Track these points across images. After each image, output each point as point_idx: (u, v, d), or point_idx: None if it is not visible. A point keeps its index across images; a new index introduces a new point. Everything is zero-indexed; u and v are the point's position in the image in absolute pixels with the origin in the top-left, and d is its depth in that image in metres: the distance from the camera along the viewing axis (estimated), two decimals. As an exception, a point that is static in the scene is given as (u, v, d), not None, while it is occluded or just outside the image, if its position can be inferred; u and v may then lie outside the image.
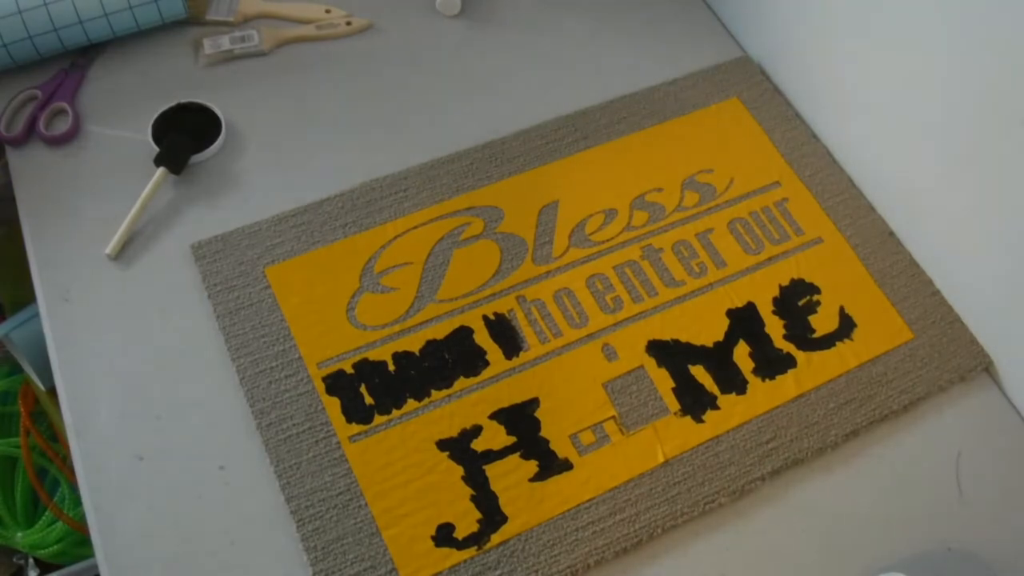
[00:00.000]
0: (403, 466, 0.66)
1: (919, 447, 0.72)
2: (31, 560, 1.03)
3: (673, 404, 0.71)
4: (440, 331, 0.72)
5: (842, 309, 0.77)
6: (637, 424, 0.70)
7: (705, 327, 0.75)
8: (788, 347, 0.74)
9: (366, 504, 0.64)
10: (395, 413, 0.68)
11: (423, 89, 0.87)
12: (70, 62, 0.83)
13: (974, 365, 0.75)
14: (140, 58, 0.85)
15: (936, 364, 0.75)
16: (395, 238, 0.76)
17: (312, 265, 0.74)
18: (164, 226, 0.76)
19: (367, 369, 0.70)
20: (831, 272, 0.79)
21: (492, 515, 0.65)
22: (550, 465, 0.67)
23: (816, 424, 0.71)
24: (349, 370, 0.70)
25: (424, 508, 0.65)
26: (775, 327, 0.75)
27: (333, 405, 0.68)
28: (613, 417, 0.70)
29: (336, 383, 0.69)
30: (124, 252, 0.74)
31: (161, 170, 0.76)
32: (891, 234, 0.82)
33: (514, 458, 0.68)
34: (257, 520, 0.64)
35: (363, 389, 0.69)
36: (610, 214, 0.80)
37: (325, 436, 0.67)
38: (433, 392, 0.69)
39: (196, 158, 0.79)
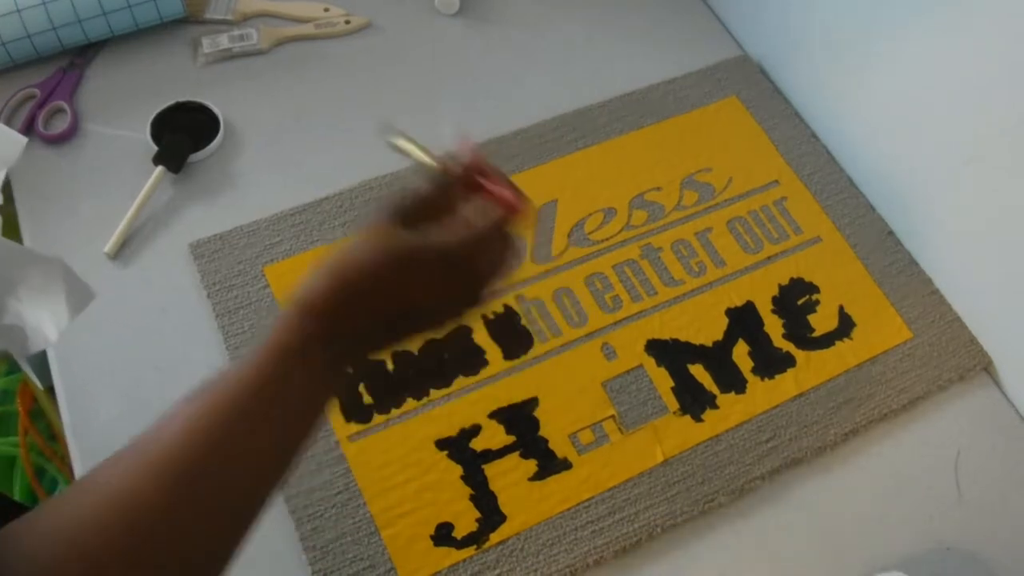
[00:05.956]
0: (402, 465, 0.66)
1: (918, 446, 0.72)
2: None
3: (672, 403, 0.71)
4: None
5: (841, 308, 0.77)
6: (636, 423, 0.70)
7: (704, 326, 0.75)
8: (787, 346, 0.74)
9: (365, 503, 0.64)
10: (394, 412, 0.68)
11: (421, 87, 0.86)
12: (68, 61, 0.83)
13: (973, 364, 0.75)
14: (138, 57, 0.85)
15: (935, 363, 0.75)
16: (394, 237, 0.76)
17: (311, 264, 0.74)
18: (163, 225, 0.75)
19: (366, 368, 0.70)
20: (830, 271, 0.79)
21: (491, 514, 0.65)
22: (549, 464, 0.67)
23: (815, 423, 0.71)
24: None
25: (423, 507, 0.65)
26: (774, 326, 0.75)
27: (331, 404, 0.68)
28: (612, 416, 0.70)
29: (335, 382, 0.69)
30: (122, 251, 0.74)
31: (159, 169, 0.76)
32: (890, 233, 0.82)
33: (513, 457, 0.67)
34: (255, 519, 0.64)
35: (362, 388, 0.69)
36: (609, 213, 0.80)
37: (324, 435, 0.66)
38: (432, 391, 0.69)
39: (194, 157, 0.78)
